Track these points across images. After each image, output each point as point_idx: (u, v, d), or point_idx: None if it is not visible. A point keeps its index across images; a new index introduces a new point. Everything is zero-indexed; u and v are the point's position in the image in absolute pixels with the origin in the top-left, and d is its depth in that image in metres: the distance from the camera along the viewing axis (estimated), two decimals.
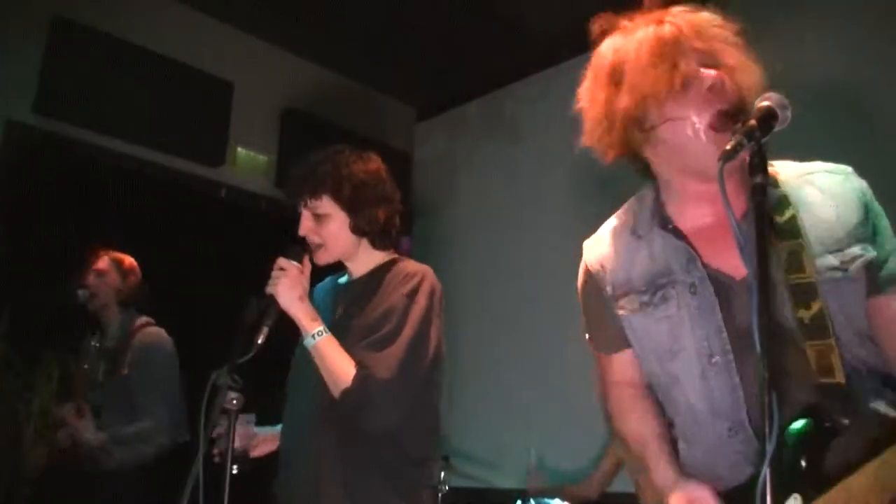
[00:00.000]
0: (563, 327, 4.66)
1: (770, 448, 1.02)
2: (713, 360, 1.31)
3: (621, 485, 3.81)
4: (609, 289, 1.46)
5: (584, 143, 1.44)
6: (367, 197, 1.97)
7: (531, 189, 5.03)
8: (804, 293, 1.24)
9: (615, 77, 1.36)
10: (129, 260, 3.47)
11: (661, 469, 1.40)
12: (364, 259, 2.02)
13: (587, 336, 1.59)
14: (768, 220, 1.19)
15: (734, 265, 1.32)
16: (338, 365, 1.79)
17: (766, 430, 1.02)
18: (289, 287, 1.82)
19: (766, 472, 1.01)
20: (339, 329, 1.91)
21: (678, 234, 1.37)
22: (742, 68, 1.32)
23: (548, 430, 4.52)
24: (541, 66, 5.13)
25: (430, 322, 1.89)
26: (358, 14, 4.72)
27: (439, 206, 5.61)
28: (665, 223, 1.40)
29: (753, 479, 1.22)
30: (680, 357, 1.35)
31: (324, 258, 1.97)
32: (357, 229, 1.97)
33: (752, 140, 1.17)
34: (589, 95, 1.42)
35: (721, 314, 1.31)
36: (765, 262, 1.12)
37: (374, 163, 2.05)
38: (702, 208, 1.37)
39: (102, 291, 3.37)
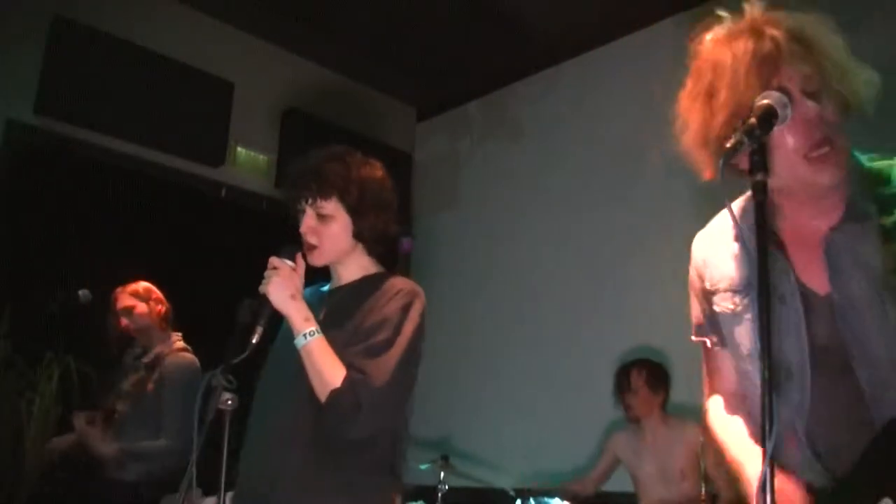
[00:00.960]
0: (564, 327, 4.68)
1: (769, 447, 1.01)
2: (788, 370, 1.32)
3: (619, 484, 3.82)
4: (708, 284, 1.48)
5: (686, 158, 1.41)
6: (371, 203, 1.96)
7: (532, 189, 5.03)
8: None
9: (711, 94, 1.33)
10: (141, 285, 3.51)
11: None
12: (355, 265, 2.02)
13: (694, 323, 1.56)
14: (765, 224, 1.18)
15: (819, 280, 1.32)
16: (328, 366, 1.78)
17: (766, 429, 1.02)
18: (280, 286, 1.81)
19: (765, 470, 1.01)
20: (324, 332, 1.88)
21: (778, 243, 1.36)
22: (847, 89, 1.29)
23: (547, 430, 4.52)
24: (542, 65, 5.13)
25: (419, 340, 1.89)
26: (358, 14, 4.72)
27: (440, 206, 5.61)
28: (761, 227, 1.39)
29: (821, 492, 1.25)
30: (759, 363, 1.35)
31: (319, 260, 1.95)
32: (357, 234, 1.97)
33: (753, 139, 1.16)
34: (686, 112, 1.39)
35: (805, 329, 1.31)
36: (765, 262, 1.12)
37: (380, 170, 2.05)
38: (796, 222, 1.37)
39: (139, 322, 3.44)
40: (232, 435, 1.74)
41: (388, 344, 1.82)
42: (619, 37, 4.78)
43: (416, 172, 5.80)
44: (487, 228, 5.24)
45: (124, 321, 3.41)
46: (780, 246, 1.36)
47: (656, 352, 3.95)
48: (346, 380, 1.76)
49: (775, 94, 1.22)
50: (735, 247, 1.44)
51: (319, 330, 1.82)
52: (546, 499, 3.52)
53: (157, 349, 3.42)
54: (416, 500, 3.76)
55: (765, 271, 1.11)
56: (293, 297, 1.83)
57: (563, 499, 3.51)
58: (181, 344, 3.49)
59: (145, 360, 3.40)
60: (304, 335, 1.81)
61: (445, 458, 3.88)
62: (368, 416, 1.76)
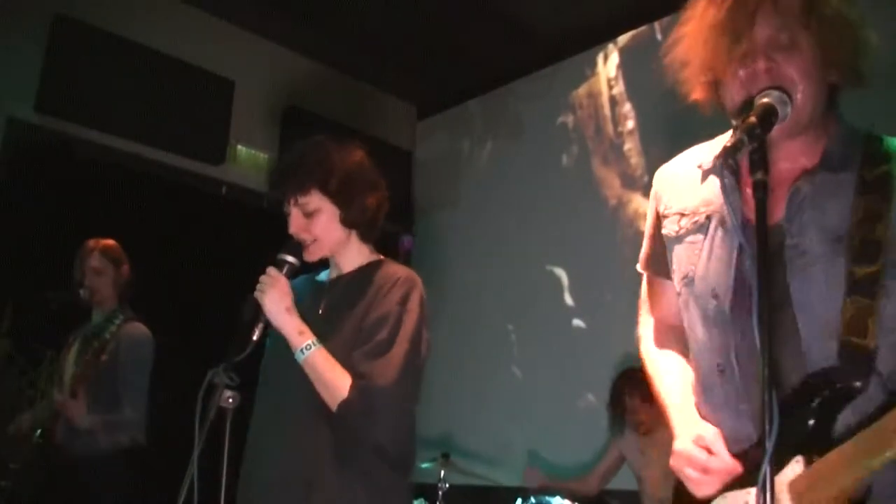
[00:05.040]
0: (566, 324, 4.68)
1: (770, 446, 1.01)
2: (715, 294, 1.34)
3: (622, 482, 3.82)
4: (662, 207, 1.51)
5: (672, 77, 1.43)
6: (354, 187, 1.93)
7: (533, 186, 5.03)
8: (868, 251, 1.23)
9: (702, 22, 1.35)
10: (114, 246, 3.44)
11: (678, 405, 1.43)
12: (352, 253, 1.99)
13: (641, 254, 1.60)
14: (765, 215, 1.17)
15: (773, 213, 1.30)
16: (332, 376, 1.77)
17: (766, 427, 1.02)
18: (276, 299, 1.80)
19: (765, 469, 1.01)
20: (324, 327, 1.88)
21: (737, 175, 1.35)
22: (836, 45, 1.28)
23: (549, 427, 4.52)
24: (543, 63, 5.12)
25: (421, 331, 1.87)
26: (359, 12, 4.72)
27: (441, 204, 5.61)
28: (729, 161, 1.34)
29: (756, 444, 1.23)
30: (694, 285, 1.38)
31: (316, 253, 1.93)
32: (347, 221, 1.94)
33: (753, 137, 1.16)
34: (677, 35, 1.41)
35: (737, 256, 1.32)
36: (765, 259, 1.12)
37: (358, 153, 2.00)
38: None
39: (103, 288, 3.38)
40: (233, 433, 1.73)
41: (390, 342, 1.80)
42: (620, 35, 4.78)
43: (416, 170, 5.81)
44: (488, 226, 5.24)
45: (88, 279, 3.32)
46: (737, 174, 1.35)
47: None
48: (352, 388, 1.74)
49: (775, 92, 1.23)
50: (696, 174, 1.43)
51: (317, 342, 1.80)
52: (547, 497, 3.52)
53: (110, 316, 3.32)
54: (416, 499, 3.76)
55: (764, 271, 1.11)
56: (288, 310, 1.81)
57: (564, 497, 3.51)
58: (131, 313, 3.38)
59: (95, 331, 3.29)
60: (302, 350, 1.78)
61: (446, 456, 3.88)
62: (383, 418, 1.74)
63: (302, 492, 1.76)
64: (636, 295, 4.85)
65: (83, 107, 4.09)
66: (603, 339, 4.40)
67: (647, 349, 1.58)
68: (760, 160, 1.15)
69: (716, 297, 1.34)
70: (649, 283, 1.61)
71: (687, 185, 1.46)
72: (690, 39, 1.37)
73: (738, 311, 1.30)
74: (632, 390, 3.61)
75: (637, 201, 4.51)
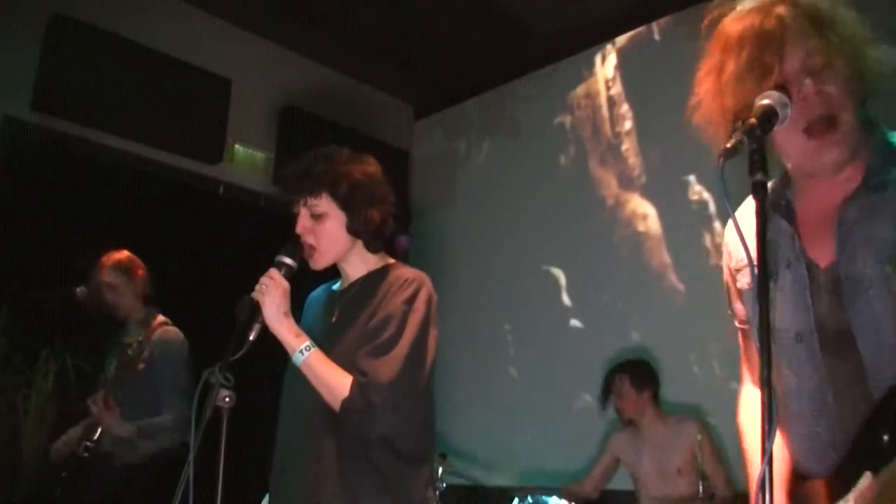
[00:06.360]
0: (562, 325, 4.68)
1: (769, 447, 1.01)
2: (800, 337, 1.32)
3: (618, 482, 3.82)
4: (733, 263, 1.50)
5: (704, 137, 1.41)
6: (363, 197, 1.96)
7: (530, 187, 5.03)
8: None
9: (721, 72, 1.34)
10: (125, 258, 3.46)
11: None
12: (358, 262, 2.02)
13: (735, 312, 1.56)
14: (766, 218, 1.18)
15: (823, 252, 1.31)
16: (331, 377, 1.80)
17: (766, 427, 1.02)
18: (275, 304, 1.81)
19: (764, 470, 1.01)
20: (335, 334, 1.91)
21: (790, 216, 1.37)
22: (859, 66, 1.28)
23: (545, 428, 4.52)
24: (540, 63, 5.13)
25: (428, 329, 1.89)
26: (357, 12, 4.71)
27: (438, 204, 5.61)
28: (779, 204, 1.39)
29: (838, 468, 1.24)
30: (776, 331, 1.34)
31: (320, 262, 1.96)
32: (352, 229, 1.96)
33: (753, 138, 1.16)
34: (699, 88, 1.40)
35: (810, 296, 1.31)
36: (765, 260, 1.12)
37: (372, 165, 2.04)
38: (809, 197, 1.37)
39: (122, 302, 3.41)
40: (229, 432, 1.73)
41: (394, 341, 1.82)
42: (617, 36, 4.78)
43: (413, 170, 5.80)
44: (485, 226, 5.24)
45: (106, 297, 3.35)
46: (791, 216, 1.36)
47: (647, 351, 3.96)
48: (353, 385, 1.77)
49: (775, 93, 1.22)
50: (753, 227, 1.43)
51: (314, 344, 1.83)
52: (544, 497, 3.52)
53: (141, 323, 3.37)
54: None
55: (764, 272, 1.11)
56: (286, 314, 1.84)
57: (561, 497, 3.52)
58: (162, 318, 3.43)
59: (130, 340, 3.29)
60: (301, 351, 1.81)
61: (443, 456, 3.87)
62: (383, 413, 1.76)
63: (312, 495, 1.80)
64: (633, 295, 4.88)
65: (80, 105, 4.08)
66: (600, 340, 4.41)
67: (745, 427, 1.52)
68: (760, 161, 1.15)
69: (800, 339, 1.32)
70: (744, 338, 1.55)
71: (750, 237, 1.45)
72: (712, 93, 1.35)
73: (826, 348, 1.29)
74: (619, 381, 3.65)
75: (634, 202, 4.52)
